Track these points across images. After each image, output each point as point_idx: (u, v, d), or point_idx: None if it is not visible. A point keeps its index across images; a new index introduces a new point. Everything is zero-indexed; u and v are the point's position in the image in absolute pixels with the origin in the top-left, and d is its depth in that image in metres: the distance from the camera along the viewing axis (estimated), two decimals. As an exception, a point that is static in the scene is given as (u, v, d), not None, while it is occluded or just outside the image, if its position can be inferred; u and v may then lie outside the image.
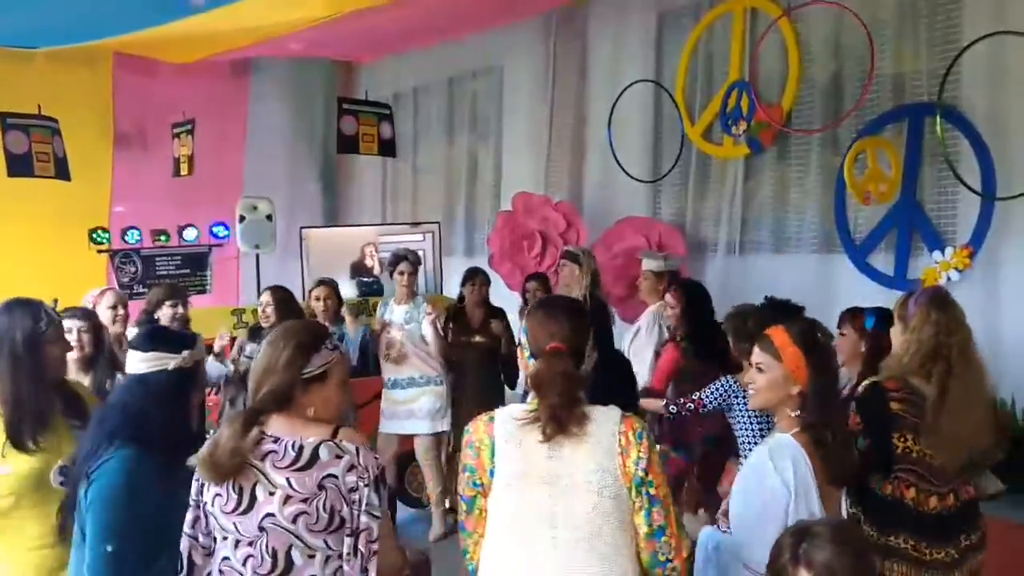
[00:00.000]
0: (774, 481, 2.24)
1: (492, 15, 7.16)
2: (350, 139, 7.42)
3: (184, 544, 2.09)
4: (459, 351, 5.40)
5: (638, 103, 6.53)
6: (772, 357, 2.36)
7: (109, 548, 2.13)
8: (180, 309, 4.51)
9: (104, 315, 4.18)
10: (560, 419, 2.03)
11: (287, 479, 1.99)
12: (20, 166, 6.59)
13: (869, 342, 3.30)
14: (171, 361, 2.33)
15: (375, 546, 2.00)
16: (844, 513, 2.49)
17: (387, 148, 7.70)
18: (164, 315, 4.45)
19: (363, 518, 2.00)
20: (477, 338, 5.43)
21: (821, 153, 5.56)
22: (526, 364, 2.23)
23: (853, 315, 3.45)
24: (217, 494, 2.03)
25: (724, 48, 6.06)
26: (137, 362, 2.33)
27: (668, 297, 4.50)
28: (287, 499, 1.98)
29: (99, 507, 2.17)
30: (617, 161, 6.39)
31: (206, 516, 2.08)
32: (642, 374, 4.66)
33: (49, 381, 2.63)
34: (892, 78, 5.21)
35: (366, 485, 2.00)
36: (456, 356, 5.38)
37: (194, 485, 2.11)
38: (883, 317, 3.29)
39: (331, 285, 5.39)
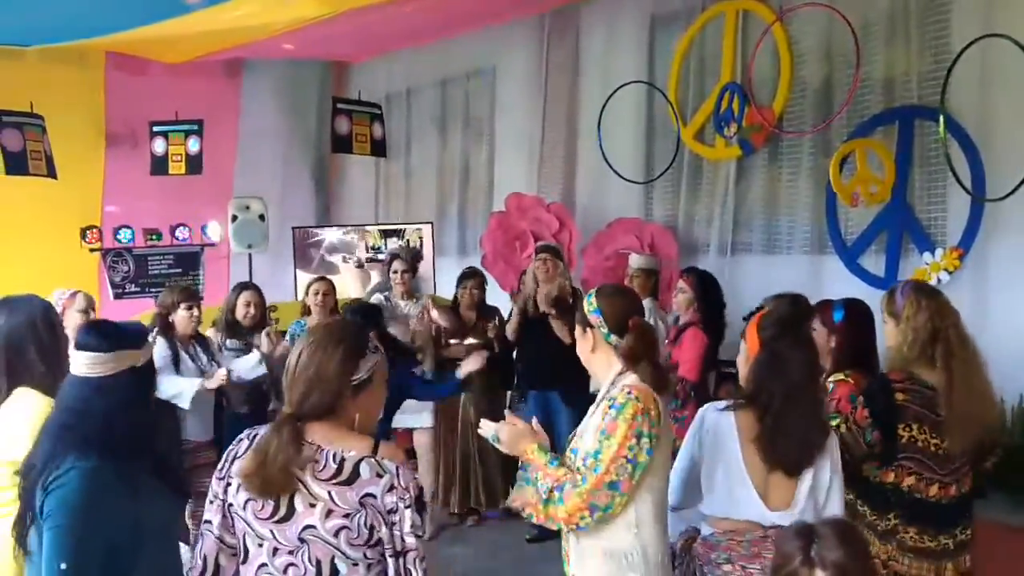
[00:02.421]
0: (693, 442, 2.49)
1: (485, 16, 7.17)
2: (344, 139, 7.41)
3: (211, 545, 1.98)
4: (448, 351, 5.42)
5: (630, 104, 6.55)
6: (743, 337, 2.58)
7: (63, 566, 1.96)
8: (196, 312, 4.46)
9: (74, 319, 4.10)
10: (670, 379, 2.35)
11: (328, 492, 1.91)
12: (16, 164, 6.56)
13: (840, 337, 3.14)
14: (140, 357, 2.16)
15: (425, 564, 1.95)
16: (802, 501, 2.44)
17: (378, 148, 7.71)
18: (180, 318, 4.41)
19: (409, 539, 1.93)
20: (470, 339, 5.44)
21: (812, 155, 5.59)
22: (596, 343, 2.42)
23: (823, 308, 3.29)
24: (250, 499, 1.94)
25: (716, 50, 6.08)
26: (98, 364, 2.11)
27: (680, 282, 4.67)
28: (329, 513, 1.90)
29: (54, 522, 1.99)
30: (607, 162, 6.39)
31: (232, 517, 1.98)
32: None
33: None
34: (883, 81, 5.25)
35: (407, 506, 1.93)
36: (450, 357, 5.39)
37: (216, 483, 2.00)
38: (852, 310, 3.22)
39: (329, 282, 5.44)
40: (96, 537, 2.01)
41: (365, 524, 1.91)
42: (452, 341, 5.48)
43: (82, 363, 2.12)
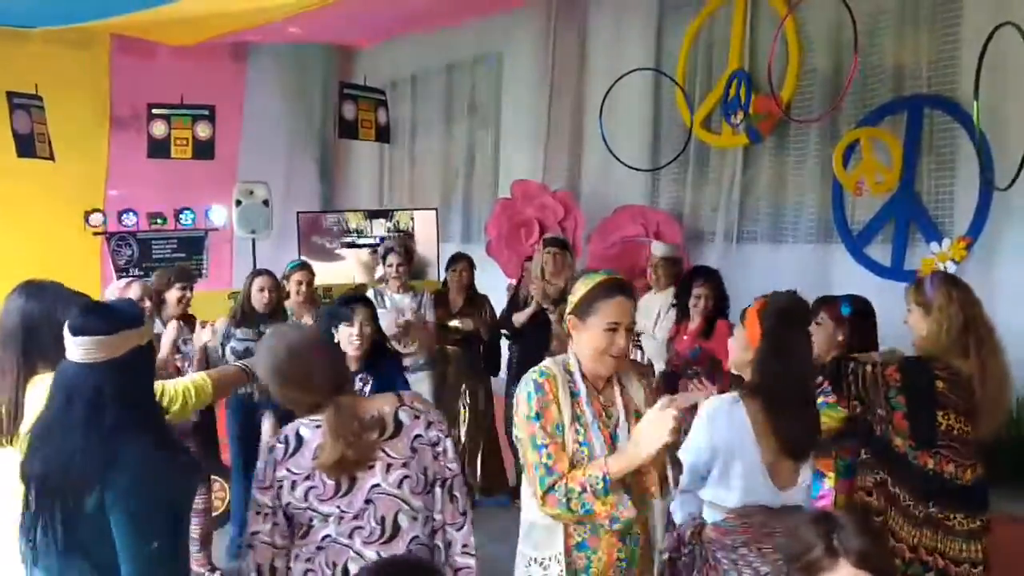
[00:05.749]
0: (703, 435, 2.45)
1: (492, 1, 7.12)
2: (350, 124, 7.38)
3: (263, 554, 2.05)
4: (439, 335, 5.39)
5: (637, 92, 6.51)
6: (740, 322, 2.58)
7: (155, 544, 1.89)
8: (188, 293, 4.43)
9: None
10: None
11: (383, 449, 2.06)
12: (25, 147, 6.54)
13: (847, 330, 3.31)
14: (144, 336, 2.04)
15: (465, 488, 2.16)
16: (802, 485, 2.52)
17: (382, 134, 7.68)
18: (171, 297, 4.39)
19: (452, 466, 2.14)
20: (454, 322, 5.43)
21: (819, 144, 5.56)
22: None
23: (827, 304, 3.38)
24: (311, 487, 2.03)
25: (725, 37, 6.04)
26: (99, 348, 1.93)
27: (701, 288, 4.60)
28: (389, 467, 2.06)
29: (133, 506, 1.88)
30: (610, 150, 6.32)
31: (290, 515, 2.06)
32: (663, 355, 4.80)
33: None
34: (892, 69, 5.20)
35: (446, 436, 2.14)
36: (436, 340, 5.38)
37: (261, 494, 2.05)
38: (858, 305, 3.36)
39: (309, 271, 5.37)
40: (168, 511, 1.97)
41: (421, 469, 2.09)
42: (452, 323, 5.47)
43: (81, 348, 1.93)
